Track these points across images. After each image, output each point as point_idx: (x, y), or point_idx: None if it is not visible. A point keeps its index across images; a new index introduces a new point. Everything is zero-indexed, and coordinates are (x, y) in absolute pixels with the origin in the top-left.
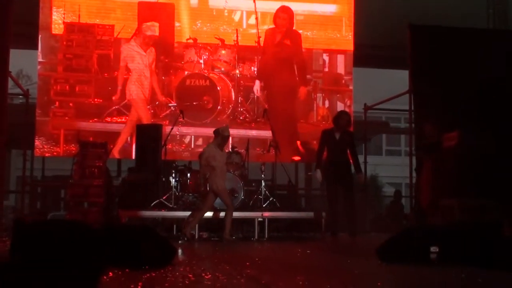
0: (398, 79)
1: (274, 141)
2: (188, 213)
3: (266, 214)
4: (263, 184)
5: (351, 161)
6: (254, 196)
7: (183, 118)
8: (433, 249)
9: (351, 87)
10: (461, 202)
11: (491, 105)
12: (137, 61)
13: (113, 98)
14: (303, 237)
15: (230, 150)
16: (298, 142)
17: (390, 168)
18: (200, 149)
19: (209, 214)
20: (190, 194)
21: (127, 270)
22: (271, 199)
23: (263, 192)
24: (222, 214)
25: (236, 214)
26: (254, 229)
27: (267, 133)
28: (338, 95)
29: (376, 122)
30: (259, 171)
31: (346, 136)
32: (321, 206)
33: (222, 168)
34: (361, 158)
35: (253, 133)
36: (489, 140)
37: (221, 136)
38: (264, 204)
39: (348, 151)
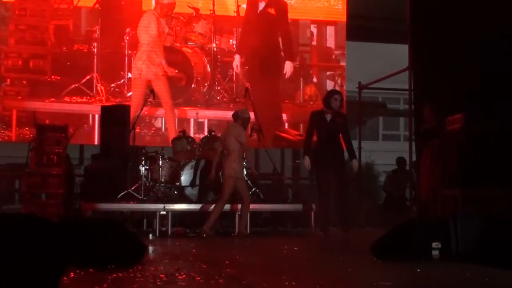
0: (397, 55)
1: (257, 125)
2: (160, 206)
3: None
4: (244, 172)
5: (344, 146)
6: None
7: (154, 99)
8: (435, 245)
9: (343, 63)
10: (464, 192)
11: (499, 84)
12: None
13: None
14: (290, 232)
15: (207, 134)
16: (284, 126)
17: (387, 154)
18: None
19: (186, 206)
20: (162, 185)
21: (90, 270)
22: (253, 189)
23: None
24: (211, 207)
25: (210, 207)
26: (234, 223)
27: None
28: (328, 72)
29: (372, 103)
30: None
31: (338, 118)
32: (310, 197)
33: (241, 152)
34: (355, 144)
35: None
36: (496, 124)
37: (241, 120)
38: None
39: (341, 135)
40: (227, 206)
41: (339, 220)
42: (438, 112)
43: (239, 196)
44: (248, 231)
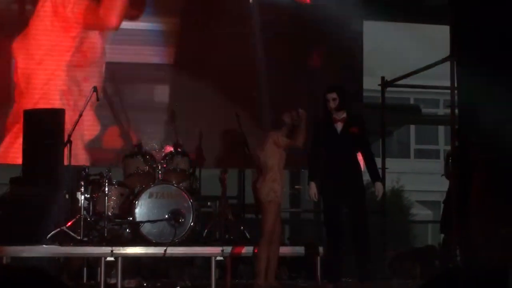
0: (434, 40)
1: (239, 127)
2: (106, 250)
3: (231, 250)
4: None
5: (362, 166)
6: (211, 222)
7: (98, 99)
8: None
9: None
10: None
11: None
12: None
13: None
14: (287, 285)
15: (172, 149)
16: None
17: (422, 178)
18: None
19: (143, 250)
20: (115, 219)
21: None
22: (237, 227)
23: (226, 217)
24: (172, 250)
25: (178, 250)
26: (210, 274)
27: (229, 123)
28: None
29: (401, 106)
30: (217, 183)
31: (354, 127)
32: (315, 237)
33: (281, 169)
34: (377, 163)
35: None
36: None
37: (287, 126)
38: (226, 234)
39: (358, 151)
40: (202, 250)
41: (355, 268)
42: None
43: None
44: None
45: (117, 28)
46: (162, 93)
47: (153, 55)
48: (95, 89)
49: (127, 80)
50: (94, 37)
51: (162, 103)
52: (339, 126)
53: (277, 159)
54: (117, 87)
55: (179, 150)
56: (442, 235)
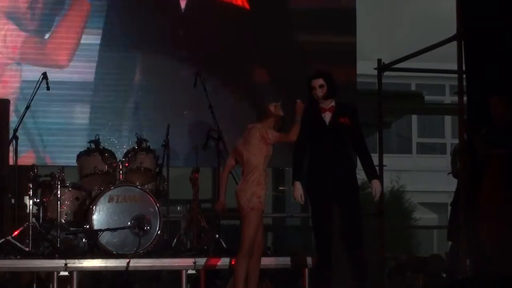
0: (438, 17)
1: (216, 127)
2: (59, 263)
3: (205, 262)
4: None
5: (355, 162)
6: (181, 231)
7: (49, 88)
8: None
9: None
10: None
11: None
12: None
13: None
14: None
15: (135, 145)
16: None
17: (425, 176)
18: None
19: (103, 263)
20: (69, 227)
21: None
22: (212, 235)
23: (198, 224)
24: (136, 262)
25: (143, 262)
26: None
27: (202, 115)
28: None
29: (401, 93)
30: (188, 184)
31: (344, 117)
32: (303, 246)
33: (265, 170)
34: (373, 159)
35: None
36: None
37: (274, 118)
38: (199, 244)
39: (351, 145)
40: (171, 262)
41: (350, 279)
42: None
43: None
44: None
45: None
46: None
47: None
48: (44, 75)
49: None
50: None
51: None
52: (327, 117)
53: (262, 157)
54: None
55: (144, 146)
56: (450, 243)
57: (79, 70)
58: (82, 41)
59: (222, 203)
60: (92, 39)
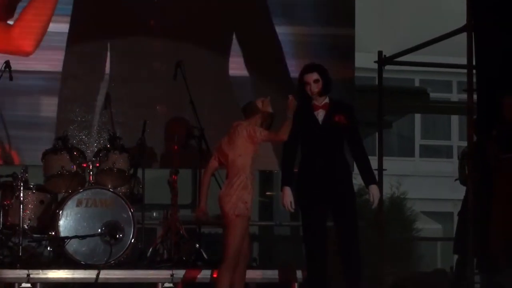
0: (446, 5)
1: (197, 124)
2: (22, 273)
3: (183, 275)
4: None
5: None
6: (157, 240)
7: (11, 78)
8: None
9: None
10: None
11: None
12: None
13: None
14: None
15: (107, 144)
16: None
17: (429, 182)
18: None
19: (69, 274)
20: (33, 234)
21: None
22: (192, 244)
23: (176, 232)
24: (107, 274)
25: (115, 274)
26: None
27: (181, 111)
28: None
29: (403, 89)
30: (166, 188)
31: (339, 115)
32: (292, 258)
33: (253, 172)
34: (372, 162)
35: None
36: None
37: (262, 115)
38: (177, 254)
39: (347, 146)
40: (146, 274)
41: None
42: None
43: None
44: None
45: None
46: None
47: None
48: (7, 64)
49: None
50: None
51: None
52: (320, 115)
53: (249, 158)
54: None
55: (117, 144)
56: (456, 256)
57: (46, 58)
58: (50, 30)
59: (203, 209)
60: (60, 28)
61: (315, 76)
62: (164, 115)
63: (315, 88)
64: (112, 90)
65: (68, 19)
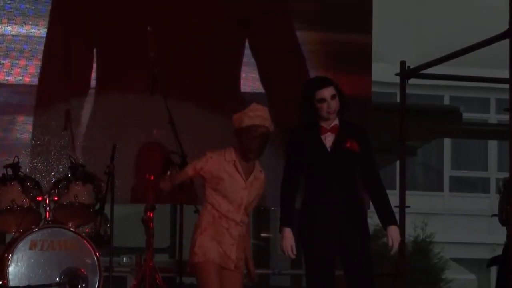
0: (482, 9)
1: (178, 150)
2: None
3: None
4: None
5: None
6: None
7: None
8: None
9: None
10: None
11: None
12: None
13: None
14: None
15: (68, 172)
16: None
17: (461, 222)
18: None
19: None
20: None
21: None
22: None
23: (152, 281)
24: None
25: None
26: None
27: (160, 132)
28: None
29: (430, 109)
30: (140, 227)
31: (351, 140)
32: None
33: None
34: (392, 198)
35: None
36: None
37: (241, 134)
38: None
39: (360, 178)
40: None
41: None
42: None
43: None
44: None
45: None
46: None
47: None
48: None
49: None
50: None
51: None
52: (328, 139)
53: (206, 188)
54: None
55: (79, 173)
56: None
57: None
58: None
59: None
60: None
61: (332, 90)
62: (137, 138)
63: (333, 105)
64: (74, 106)
65: None
